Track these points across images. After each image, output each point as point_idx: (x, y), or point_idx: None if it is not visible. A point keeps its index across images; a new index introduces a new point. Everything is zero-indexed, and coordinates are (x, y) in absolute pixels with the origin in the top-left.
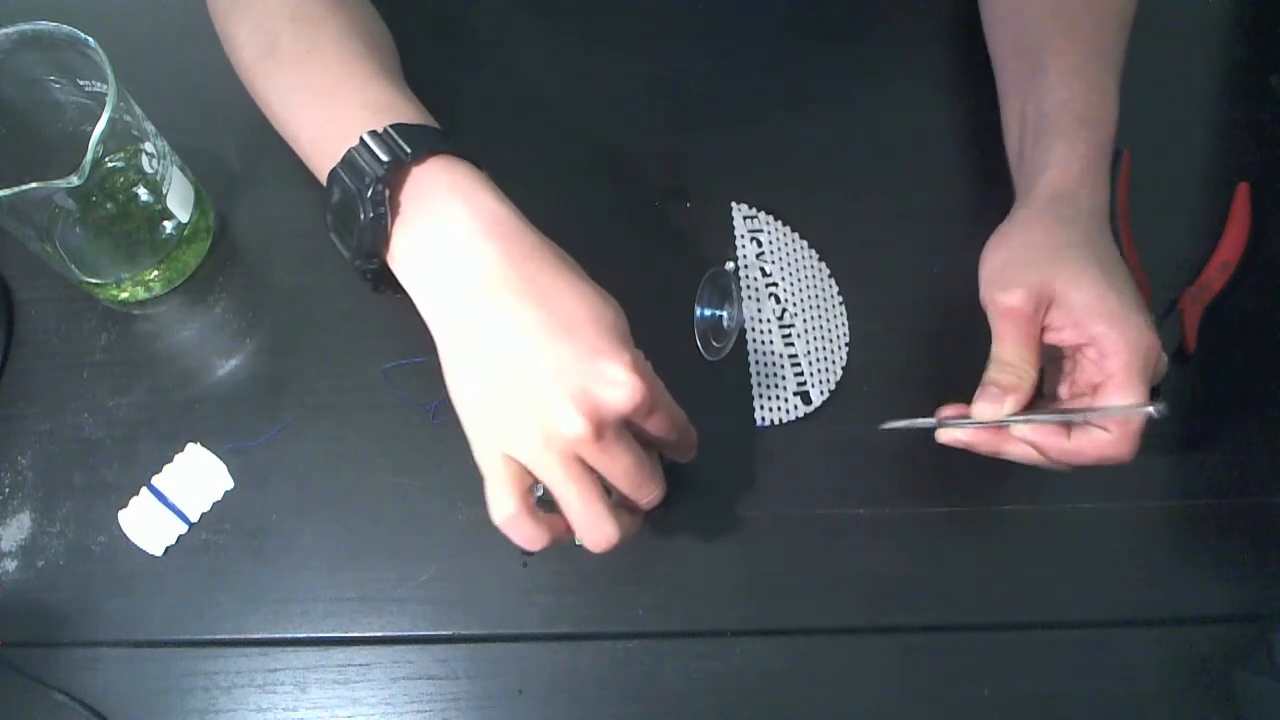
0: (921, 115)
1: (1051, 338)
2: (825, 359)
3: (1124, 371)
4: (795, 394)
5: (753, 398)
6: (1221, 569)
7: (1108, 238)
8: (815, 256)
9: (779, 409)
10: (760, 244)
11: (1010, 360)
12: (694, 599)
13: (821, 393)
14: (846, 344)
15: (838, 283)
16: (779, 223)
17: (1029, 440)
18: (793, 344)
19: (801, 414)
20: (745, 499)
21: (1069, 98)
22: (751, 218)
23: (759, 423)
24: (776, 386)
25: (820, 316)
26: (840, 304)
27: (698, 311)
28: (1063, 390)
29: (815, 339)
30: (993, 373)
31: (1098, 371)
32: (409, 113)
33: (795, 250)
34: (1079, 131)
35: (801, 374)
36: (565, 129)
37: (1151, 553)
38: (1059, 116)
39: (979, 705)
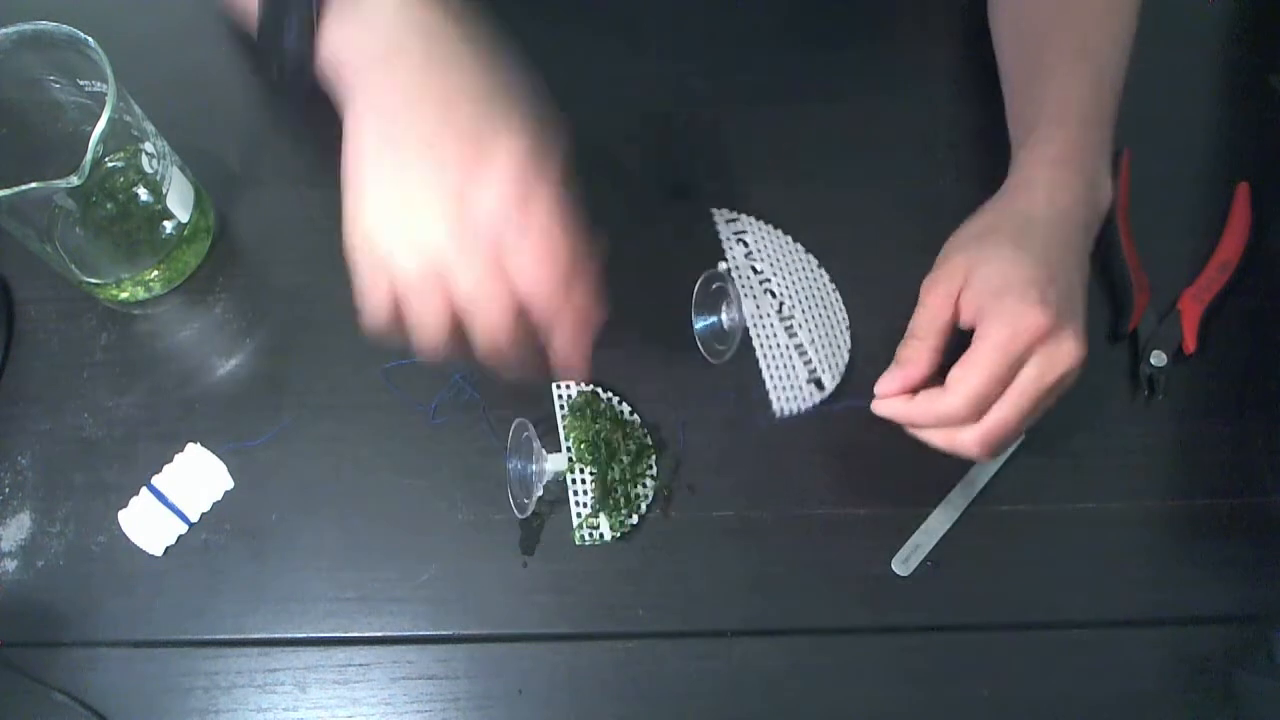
0: (917, 114)
1: (961, 318)
2: (830, 344)
3: (984, 336)
4: (809, 382)
5: (768, 391)
6: (1221, 569)
7: (1053, 236)
8: (802, 249)
9: (795, 399)
10: (746, 244)
11: (916, 331)
12: (694, 599)
13: (833, 377)
14: (848, 326)
15: (828, 271)
16: (760, 221)
17: (880, 409)
18: (796, 334)
19: (817, 400)
20: (745, 499)
21: (1042, 97)
22: (733, 220)
23: (779, 414)
24: (789, 378)
25: (817, 305)
26: (833, 290)
27: (696, 323)
28: None
29: (816, 326)
30: (900, 350)
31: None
32: None
33: (782, 245)
34: (1042, 130)
35: (810, 362)
36: (564, 128)
37: (1151, 553)
38: (1032, 117)
39: (979, 705)
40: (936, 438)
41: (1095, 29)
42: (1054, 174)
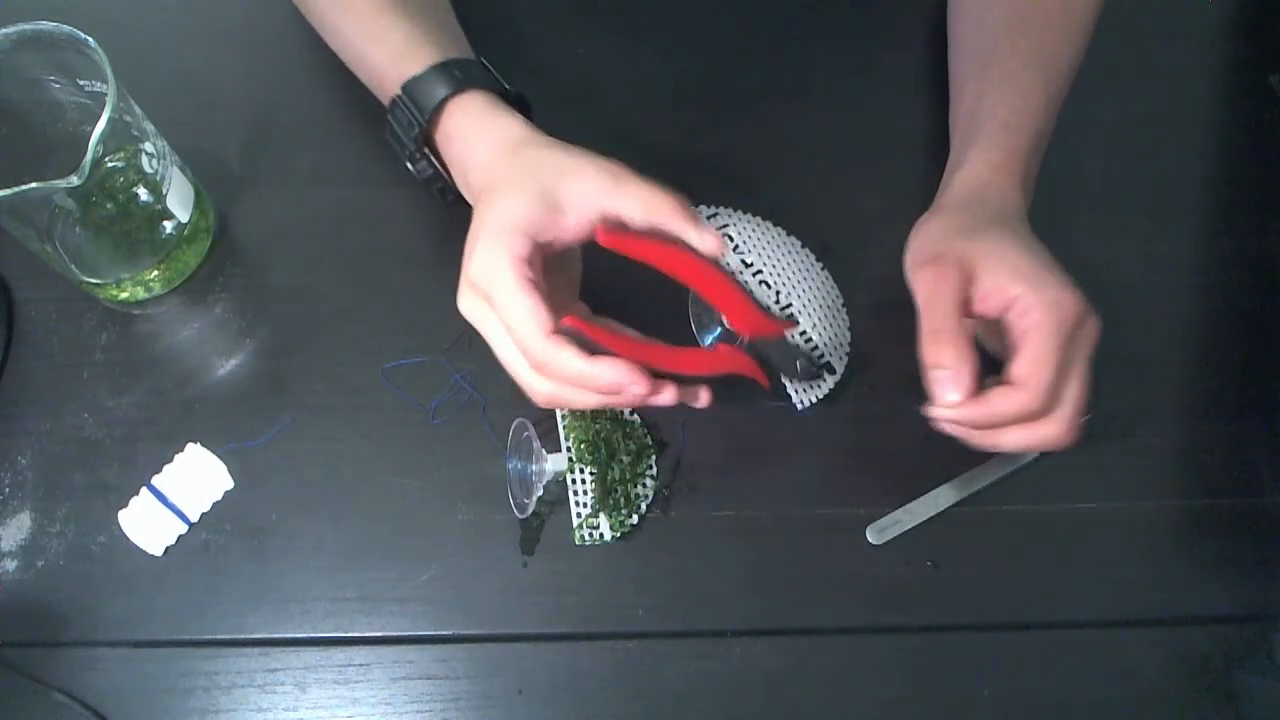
0: (916, 115)
1: (979, 308)
2: (831, 325)
3: (1038, 327)
4: (820, 367)
5: (784, 385)
6: (1221, 569)
7: (1020, 225)
8: (784, 233)
9: (811, 387)
10: (732, 238)
11: (948, 328)
12: (694, 599)
13: (841, 358)
14: (843, 304)
15: (812, 251)
16: (740, 212)
17: (949, 418)
18: (799, 321)
19: (832, 385)
20: (745, 499)
21: (997, 102)
22: (713, 215)
23: (799, 407)
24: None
25: (811, 288)
26: (822, 269)
27: (701, 339)
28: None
29: (816, 310)
30: (930, 351)
31: (1020, 332)
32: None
33: (765, 232)
34: (997, 135)
35: (817, 348)
36: (564, 129)
37: (1151, 553)
38: (985, 120)
39: (979, 705)
40: (1013, 438)
41: (1051, 40)
42: (998, 178)
